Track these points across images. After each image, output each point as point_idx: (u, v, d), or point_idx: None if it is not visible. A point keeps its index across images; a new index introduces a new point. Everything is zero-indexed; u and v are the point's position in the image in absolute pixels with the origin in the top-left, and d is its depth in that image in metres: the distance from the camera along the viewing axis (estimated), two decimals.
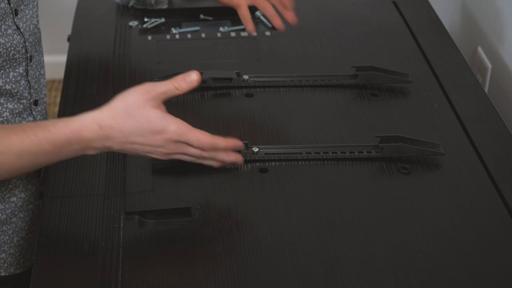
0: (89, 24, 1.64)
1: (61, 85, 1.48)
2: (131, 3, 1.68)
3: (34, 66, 1.27)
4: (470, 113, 1.37)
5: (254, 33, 1.52)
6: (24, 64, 1.24)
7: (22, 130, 1.08)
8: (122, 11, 1.68)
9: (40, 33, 1.29)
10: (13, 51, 1.20)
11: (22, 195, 1.29)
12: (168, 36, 1.60)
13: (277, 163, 1.24)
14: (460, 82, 1.46)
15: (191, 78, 1.13)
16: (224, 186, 1.20)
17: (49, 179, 1.22)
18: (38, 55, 1.30)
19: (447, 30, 1.64)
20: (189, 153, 1.14)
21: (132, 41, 1.57)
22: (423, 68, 1.50)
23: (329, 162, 1.25)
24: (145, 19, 1.65)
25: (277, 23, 1.47)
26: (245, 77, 1.43)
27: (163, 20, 1.65)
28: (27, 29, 1.23)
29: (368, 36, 1.60)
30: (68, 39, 1.60)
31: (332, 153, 1.25)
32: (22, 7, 1.23)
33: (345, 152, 1.25)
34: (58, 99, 2.46)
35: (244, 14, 1.49)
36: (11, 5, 1.19)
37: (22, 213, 1.30)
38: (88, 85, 1.45)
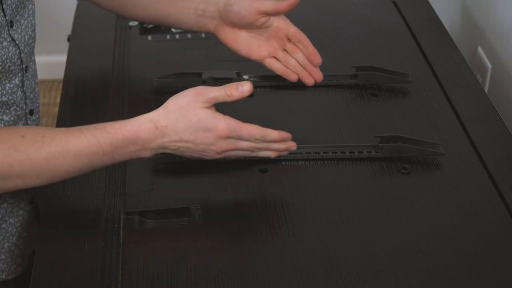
0: (89, 24, 1.64)
1: (61, 85, 1.48)
2: None
3: (29, 76, 1.27)
4: (470, 113, 1.37)
5: (310, 83, 1.37)
6: (20, 75, 1.23)
7: (80, 131, 1.10)
8: None
9: (34, 42, 1.28)
10: (9, 63, 1.19)
11: (13, 201, 1.28)
12: (168, 36, 1.59)
13: (277, 163, 1.24)
14: (460, 82, 1.46)
15: (244, 88, 1.16)
16: (224, 186, 1.20)
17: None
18: (33, 65, 1.30)
19: (447, 30, 1.64)
20: (242, 148, 1.16)
21: (132, 41, 1.57)
22: (423, 68, 1.50)
23: (329, 162, 1.25)
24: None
25: (308, 80, 1.37)
26: (245, 77, 1.43)
27: None
28: (22, 40, 1.22)
29: (368, 36, 1.60)
30: (68, 39, 1.60)
31: (332, 153, 1.25)
32: (17, 17, 1.22)
33: (345, 152, 1.25)
34: (58, 99, 2.46)
35: (274, 66, 1.37)
36: (7, 17, 1.18)
37: (11, 219, 1.29)
38: (88, 85, 1.45)
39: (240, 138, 1.15)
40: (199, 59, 1.53)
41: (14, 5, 1.20)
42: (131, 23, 1.63)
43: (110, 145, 1.10)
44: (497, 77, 1.61)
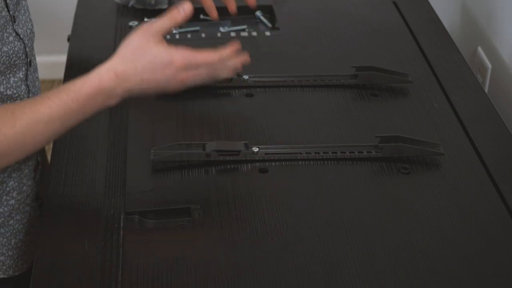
0: (89, 24, 1.64)
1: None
2: (131, 3, 1.68)
3: (32, 70, 1.29)
4: (470, 113, 1.37)
5: (217, 19, 1.51)
6: (24, 69, 1.25)
7: (47, 98, 1.12)
8: (122, 11, 1.68)
9: (34, 37, 1.30)
10: (14, 58, 1.21)
11: (18, 197, 1.29)
12: (168, 36, 1.59)
13: (277, 163, 1.24)
14: (460, 82, 1.46)
15: (185, 8, 1.20)
16: (224, 186, 1.20)
17: (49, 179, 1.22)
18: (34, 59, 1.31)
19: (447, 30, 1.64)
20: (202, 74, 1.20)
21: None
22: (423, 68, 1.50)
23: (329, 162, 1.25)
24: (145, 19, 1.65)
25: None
26: (245, 77, 1.43)
27: None
28: (25, 34, 1.25)
29: (368, 36, 1.60)
30: (68, 39, 1.60)
31: (332, 153, 1.25)
32: (16, 13, 1.23)
33: (345, 152, 1.25)
34: None
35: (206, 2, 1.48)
36: (10, 12, 1.20)
37: (18, 215, 1.30)
38: None
39: (198, 65, 1.18)
40: None
41: (15, 0, 1.22)
42: (131, 23, 1.63)
43: (78, 103, 1.13)
44: (497, 77, 1.61)
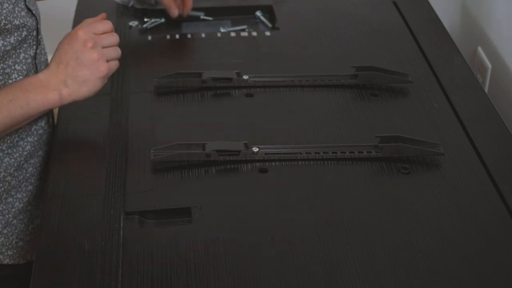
0: None
1: None
2: (131, 3, 1.68)
3: (41, 50, 1.33)
4: (470, 113, 1.37)
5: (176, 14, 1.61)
6: (34, 47, 1.29)
7: None
8: (122, 11, 1.68)
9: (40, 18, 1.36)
10: (26, 32, 1.26)
11: (38, 184, 1.35)
12: (168, 36, 1.60)
13: (277, 163, 1.24)
14: (460, 82, 1.46)
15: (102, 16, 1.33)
16: (224, 186, 1.20)
17: (49, 179, 1.22)
18: (43, 40, 1.36)
19: (447, 30, 1.64)
20: (107, 41, 1.27)
21: (132, 41, 1.57)
22: (423, 68, 1.50)
23: (329, 162, 1.25)
24: (145, 19, 1.65)
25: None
26: (245, 77, 1.43)
27: (163, 20, 1.65)
28: (37, 13, 1.30)
29: (368, 36, 1.60)
30: None
31: (332, 153, 1.25)
32: None
33: (345, 152, 1.25)
34: None
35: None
36: None
37: (36, 201, 1.35)
38: None
39: (95, 31, 1.26)
40: (199, 59, 1.53)
41: None
42: (131, 23, 1.63)
43: (21, 90, 1.21)
44: (497, 77, 1.61)
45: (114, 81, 1.44)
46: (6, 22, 1.22)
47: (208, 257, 1.08)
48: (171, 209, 1.15)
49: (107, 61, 1.26)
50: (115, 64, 1.28)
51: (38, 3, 1.36)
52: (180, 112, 1.37)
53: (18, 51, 1.27)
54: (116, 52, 1.28)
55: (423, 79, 1.46)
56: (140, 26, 1.63)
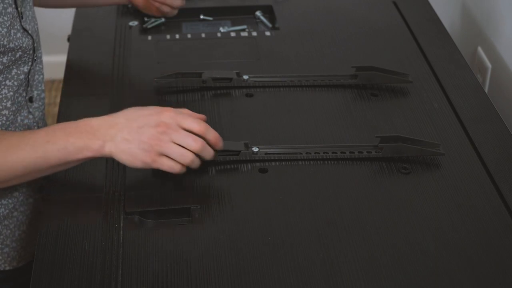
0: (89, 24, 1.64)
1: (61, 85, 1.48)
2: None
3: (36, 65, 1.30)
4: (470, 113, 1.37)
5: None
6: (29, 64, 1.26)
7: (35, 129, 1.16)
8: (122, 11, 1.68)
9: (39, 34, 1.31)
10: (21, 53, 1.22)
11: (24, 189, 1.31)
12: (168, 36, 1.60)
13: (277, 163, 1.24)
14: (460, 82, 1.46)
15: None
16: (224, 186, 1.20)
17: (49, 179, 1.22)
18: (41, 55, 1.32)
19: (447, 30, 1.64)
20: (185, 144, 1.13)
21: (132, 41, 1.57)
22: (423, 68, 1.50)
23: (329, 162, 1.25)
24: (145, 19, 1.65)
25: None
26: (245, 77, 1.43)
27: (163, 20, 1.65)
28: (33, 30, 1.26)
29: (368, 36, 1.60)
30: (68, 39, 1.60)
31: (332, 153, 1.25)
32: (23, 9, 1.24)
33: (345, 152, 1.25)
34: (58, 99, 2.46)
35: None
36: (18, 9, 1.20)
37: (23, 207, 1.32)
38: (88, 85, 1.45)
39: (181, 123, 1.14)
40: (199, 59, 1.53)
41: None
42: (131, 23, 1.63)
43: (64, 132, 1.12)
44: (497, 77, 1.61)
45: (114, 81, 1.45)
46: (0, 46, 1.17)
47: (208, 257, 1.08)
48: (171, 209, 1.16)
49: (165, 155, 1.13)
50: (168, 166, 1.14)
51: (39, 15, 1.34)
52: None
53: (10, 67, 1.23)
54: (182, 157, 1.13)
55: (423, 79, 1.46)
56: (140, 26, 1.63)
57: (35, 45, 1.26)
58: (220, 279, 1.04)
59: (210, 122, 1.34)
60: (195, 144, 1.14)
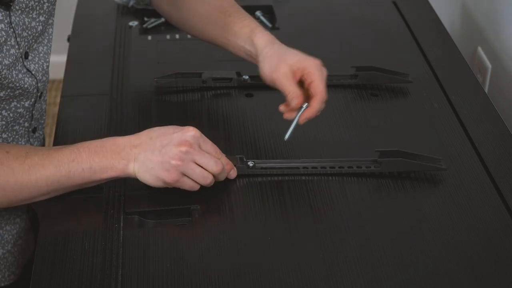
0: (89, 24, 1.64)
1: (61, 85, 1.48)
2: (131, 3, 1.68)
3: (41, 100, 1.26)
4: (470, 113, 1.37)
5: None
6: (33, 100, 1.23)
7: (63, 146, 1.14)
8: (122, 11, 1.68)
9: (48, 73, 1.26)
10: (20, 91, 1.19)
11: (10, 207, 1.27)
12: (168, 36, 1.59)
13: (274, 178, 1.22)
14: (460, 82, 1.46)
15: (231, 174, 1.21)
16: (224, 186, 1.20)
17: None
18: (46, 92, 1.28)
19: (447, 30, 1.64)
20: (204, 164, 1.14)
21: (132, 41, 1.57)
22: (423, 68, 1.50)
23: (328, 177, 1.23)
24: (145, 19, 1.65)
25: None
26: (245, 77, 1.43)
27: (163, 20, 1.65)
28: (40, 69, 1.21)
29: (368, 36, 1.60)
30: (68, 39, 1.60)
31: (330, 167, 1.23)
32: (35, 46, 1.20)
33: (343, 167, 1.23)
34: (58, 99, 2.45)
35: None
36: (21, 50, 1.16)
37: (8, 226, 1.29)
38: (88, 85, 1.45)
39: (202, 145, 1.14)
40: (199, 59, 1.53)
41: (31, 36, 1.18)
42: (131, 23, 1.63)
43: (89, 151, 1.13)
44: (497, 77, 1.61)
45: (114, 81, 1.44)
46: None
47: (208, 257, 1.08)
48: (171, 209, 1.15)
49: (185, 175, 1.13)
50: (190, 186, 1.14)
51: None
52: (180, 112, 1.37)
53: (10, 100, 1.19)
54: (203, 179, 1.14)
55: (423, 79, 1.46)
56: (140, 26, 1.63)
57: (38, 84, 1.22)
58: (220, 279, 1.04)
59: (210, 122, 1.34)
60: (216, 167, 1.15)
